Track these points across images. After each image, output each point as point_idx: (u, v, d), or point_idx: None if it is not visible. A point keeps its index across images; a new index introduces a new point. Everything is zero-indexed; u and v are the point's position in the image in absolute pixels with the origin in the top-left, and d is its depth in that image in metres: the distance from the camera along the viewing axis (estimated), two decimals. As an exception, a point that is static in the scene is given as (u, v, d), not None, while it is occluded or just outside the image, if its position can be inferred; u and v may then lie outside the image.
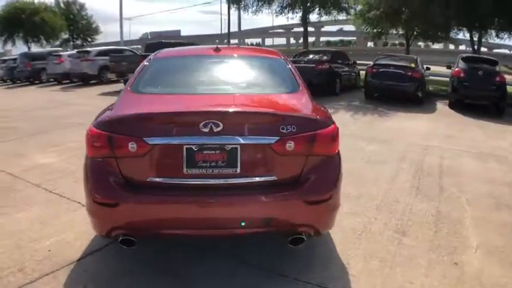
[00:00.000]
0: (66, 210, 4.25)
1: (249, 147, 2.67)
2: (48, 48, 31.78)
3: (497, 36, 18.79)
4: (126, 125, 2.73)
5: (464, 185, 5.29)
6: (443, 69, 15.71)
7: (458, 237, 3.81)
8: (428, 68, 14.91)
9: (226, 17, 31.54)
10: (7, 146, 7.15)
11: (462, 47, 32.92)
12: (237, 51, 4.44)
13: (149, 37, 57.80)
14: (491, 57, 13.77)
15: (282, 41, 75.25)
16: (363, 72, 15.21)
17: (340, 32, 64.90)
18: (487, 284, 3.08)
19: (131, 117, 2.80)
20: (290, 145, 2.66)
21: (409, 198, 4.78)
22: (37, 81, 22.10)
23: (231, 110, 2.74)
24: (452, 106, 12.53)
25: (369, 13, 19.56)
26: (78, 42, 41.67)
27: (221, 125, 2.59)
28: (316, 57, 15.55)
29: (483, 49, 23.78)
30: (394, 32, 21.55)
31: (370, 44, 47.80)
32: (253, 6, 25.76)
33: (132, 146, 2.62)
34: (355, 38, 58.85)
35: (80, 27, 42.03)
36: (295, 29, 52.14)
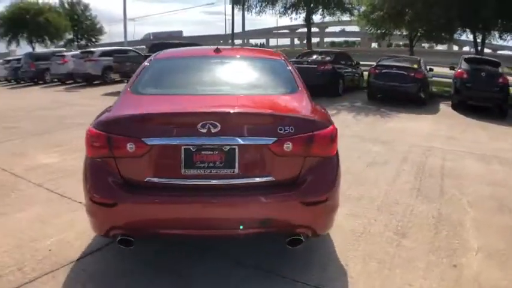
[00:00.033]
0: (67, 210, 4.26)
1: (246, 148, 2.67)
2: (52, 49, 31.89)
3: (500, 37, 18.74)
4: (125, 125, 2.75)
5: (465, 187, 5.27)
6: (446, 70, 15.67)
7: (458, 239, 3.80)
8: (431, 69, 14.86)
9: (230, 18, 31.56)
10: (10, 145, 7.19)
11: (466, 48, 32.83)
12: (237, 52, 4.45)
13: (151, 38, 57.93)
14: (493, 59, 13.71)
15: (286, 41, 75.31)
16: (366, 73, 15.17)
17: (345, 33, 64.83)
18: (486, 286, 3.08)
19: (129, 117, 2.82)
20: (288, 146, 2.67)
21: (410, 199, 4.77)
22: (41, 82, 22.16)
23: (228, 110, 2.75)
24: (455, 107, 12.49)
25: (372, 14, 19.52)
26: (83, 42, 41.75)
27: (219, 125, 2.60)
28: (319, 58, 15.54)
29: (487, 50, 23.73)
30: (398, 33, 21.51)
31: (374, 45, 47.68)
32: (256, 7, 25.80)
33: (130, 147, 2.64)
34: (359, 38, 58.77)
35: (84, 27, 42.07)
36: (300, 30, 52.13)
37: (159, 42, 17.32)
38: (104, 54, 19.75)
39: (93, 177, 2.83)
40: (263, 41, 75.89)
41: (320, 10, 24.78)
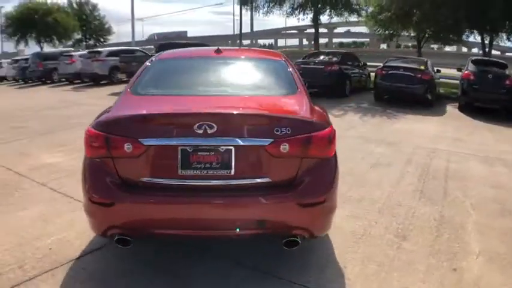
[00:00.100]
0: (69, 209, 4.29)
1: (243, 149, 2.67)
2: (60, 49, 32.15)
3: (508, 39, 18.59)
4: (122, 126, 2.77)
5: (469, 189, 5.23)
6: (454, 72, 15.57)
7: (459, 242, 3.76)
8: (438, 71, 14.77)
9: (239, 18, 31.62)
10: (16, 145, 7.26)
11: (475, 50, 32.59)
12: (238, 53, 4.45)
13: (156, 38, 58.29)
14: (501, 61, 13.61)
15: (294, 42, 75.30)
16: (374, 74, 15.12)
17: (353, 34, 64.63)
18: (486, 290, 3.05)
19: (127, 118, 2.84)
20: (285, 147, 2.66)
21: (413, 201, 4.74)
22: (49, 81, 22.36)
23: (225, 111, 2.76)
24: (462, 109, 12.40)
25: (380, 15, 19.43)
26: (91, 42, 42.05)
27: (215, 126, 2.61)
28: (326, 58, 15.51)
29: (496, 52, 23.53)
30: (406, 34, 21.40)
31: (383, 46, 47.51)
32: (264, 7, 25.82)
33: (127, 147, 2.65)
34: (368, 39, 58.59)
35: (93, 27, 42.35)
36: (308, 30, 52.08)
37: (166, 43, 17.37)
38: (111, 54, 19.89)
39: (92, 177, 2.85)
40: (271, 41, 75.92)
41: (327, 11, 24.74)
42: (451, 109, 12.84)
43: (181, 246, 3.52)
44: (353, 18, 25.66)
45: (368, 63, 17.66)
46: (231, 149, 2.66)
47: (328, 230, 3.08)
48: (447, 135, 8.91)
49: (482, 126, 10.25)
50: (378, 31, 21.69)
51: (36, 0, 37.73)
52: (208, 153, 2.66)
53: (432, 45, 29.07)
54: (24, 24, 36.13)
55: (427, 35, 20.01)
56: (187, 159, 2.66)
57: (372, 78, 15.15)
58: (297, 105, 3.09)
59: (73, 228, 3.82)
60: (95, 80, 19.72)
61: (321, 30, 30.23)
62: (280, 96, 3.29)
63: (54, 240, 3.60)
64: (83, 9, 41.73)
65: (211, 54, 3.88)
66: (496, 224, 4.22)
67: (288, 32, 72.76)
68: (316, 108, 3.22)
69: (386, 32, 21.18)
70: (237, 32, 37.99)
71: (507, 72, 12.41)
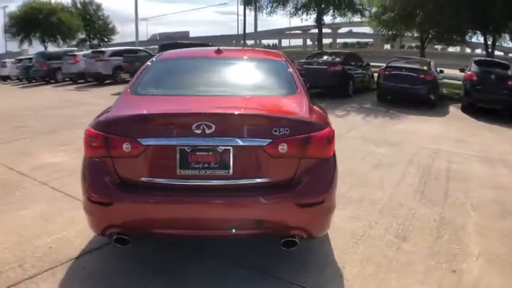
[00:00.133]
0: (69, 208, 4.30)
1: (241, 149, 2.68)
2: (64, 48, 32.29)
3: (511, 40, 18.54)
4: (121, 125, 2.78)
5: (470, 191, 5.21)
6: (457, 72, 15.52)
7: (459, 244, 3.75)
8: (441, 71, 14.74)
9: (243, 18, 31.63)
10: (18, 144, 7.30)
11: (478, 51, 32.45)
12: (238, 53, 4.46)
13: (158, 38, 58.45)
14: (503, 61, 13.56)
15: (298, 42, 75.25)
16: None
17: (357, 34, 64.47)
18: (485, 292, 3.04)
19: (126, 118, 2.85)
20: (283, 147, 2.66)
21: (413, 202, 4.73)
22: (52, 81, 22.45)
23: (223, 111, 2.77)
24: (464, 110, 12.36)
25: (383, 15, 19.40)
26: (95, 42, 42.18)
27: (213, 126, 2.61)
28: (329, 59, 15.48)
29: (499, 53, 23.43)
30: (409, 34, 21.35)
31: (387, 46, 47.37)
32: (267, 7, 25.82)
33: (126, 147, 2.66)
34: (371, 40, 58.45)
35: (97, 27, 42.47)
36: (312, 31, 52.05)
37: (169, 43, 17.40)
38: (115, 54, 19.96)
39: (91, 176, 2.87)
40: (275, 41, 75.92)
41: (331, 11, 24.70)
42: (454, 110, 12.80)
43: (180, 246, 3.52)
44: (356, 18, 25.62)
45: (372, 64, 17.63)
46: (229, 149, 2.66)
47: (326, 230, 3.08)
48: (450, 135, 8.88)
49: (485, 127, 10.21)
50: (382, 31, 21.65)
51: (40, 0, 37.89)
52: (206, 153, 2.66)
53: (436, 46, 28.97)
54: (28, 23, 36.31)
55: (430, 36, 19.96)
56: (186, 159, 2.67)
57: (375, 79, 15.13)
58: (296, 105, 3.08)
59: (73, 227, 3.83)
60: (99, 80, 19.78)
61: (325, 30, 30.19)
62: (279, 96, 3.29)
63: (54, 239, 3.62)
64: (87, 9, 41.85)
65: (211, 54, 3.89)
66: (496, 226, 4.21)
67: (291, 32, 72.74)
68: (316, 108, 3.22)
69: (390, 32, 21.14)
70: (240, 32, 38.01)
71: (510, 73, 12.35)
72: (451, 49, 28.69)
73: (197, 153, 2.66)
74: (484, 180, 5.70)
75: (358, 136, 8.40)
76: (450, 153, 7.17)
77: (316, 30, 27.59)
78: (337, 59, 15.03)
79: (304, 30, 64.98)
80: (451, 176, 5.80)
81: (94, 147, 2.81)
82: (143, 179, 2.73)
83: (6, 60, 28.27)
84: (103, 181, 2.77)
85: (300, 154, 2.72)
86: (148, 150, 2.67)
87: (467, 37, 19.51)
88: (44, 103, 13.36)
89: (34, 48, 38.17)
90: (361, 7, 23.82)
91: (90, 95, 15.92)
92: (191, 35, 65.92)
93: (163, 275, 3.12)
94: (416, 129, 9.38)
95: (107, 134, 2.73)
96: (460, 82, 14.04)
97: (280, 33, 73.55)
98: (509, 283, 3.19)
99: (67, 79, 21.77)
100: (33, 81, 23.53)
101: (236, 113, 2.76)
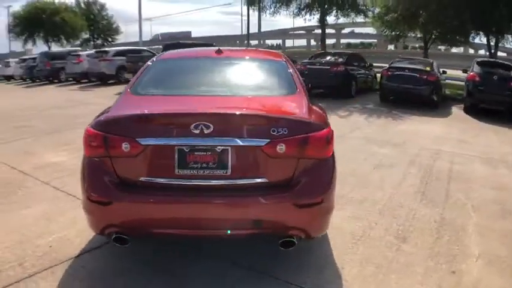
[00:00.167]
0: (71, 207, 4.31)
1: (239, 149, 2.68)
2: (67, 48, 32.41)
3: (513, 41, 18.49)
4: (120, 125, 2.79)
5: (471, 191, 5.20)
6: (460, 73, 15.47)
7: (459, 245, 3.74)
8: (444, 72, 14.69)
9: (246, 18, 31.67)
10: (21, 144, 7.33)
11: (482, 52, 32.31)
12: (238, 54, 4.46)
13: (160, 38, 58.65)
14: (506, 62, 13.50)
15: (302, 42, 75.10)
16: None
17: (360, 35, 64.32)
18: (485, 294, 3.04)
19: (125, 118, 2.86)
20: (281, 148, 2.66)
21: (414, 203, 4.72)
22: (56, 81, 22.53)
23: (221, 111, 2.77)
24: (467, 110, 12.32)
25: (386, 16, 19.37)
26: (99, 42, 42.31)
27: (211, 126, 2.62)
28: (332, 59, 15.46)
29: (502, 54, 23.33)
30: (412, 35, 21.30)
31: (390, 47, 47.28)
32: (271, 8, 25.85)
33: (125, 146, 2.68)
34: (375, 40, 58.31)
35: (101, 27, 42.63)
36: (316, 31, 52.00)
37: (172, 43, 17.42)
38: (118, 54, 20.01)
39: (90, 176, 2.88)
40: (279, 41, 75.85)
41: (334, 11, 24.69)
42: (457, 110, 12.76)
43: (178, 246, 3.53)
44: (360, 19, 25.61)
45: (375, 64, 17.60)
46: (227, 149, 2.67)
47: (325, 231, 3.08)
48: (452, 136, 8.86)
49: (487, 128, 10.17)
50: (385, 32, 21.62)
51: (44, 0, 38.03)
52: (204, 153, 2.67)
53: (439, 47, 28.90)
54: (31, 23, 36.47)
55: (433, 37, 19.91)
56: (184, 159, 2.68)
57: (378, 79, 15.10)
58: (295, 105, 3.08)
59: (74, 227, 3.84)
60: (102, 80, 19.85)
61: (329, 31, 30.16)
62: (278, 96, 3.29)
63: (55, 238, 3.64)
64: (90, 9, 42.02)
65: (212, 54, 3.90)
66: (496, 227, 4.20)
67: (295, 32, 72.63)
68: (315, 108, 3.22)
69: (393, 33, 21.10)
70: (244, 32, 38.07)
71: (512, 74, 12.29)
72: (454, 50, 28.57)
73: (195, 153, 2.67)
74: (485, 181, 5.68)
75: (361, 137, 8.39)
76: (452, 154, 7.15)
77: (320, 31, 27.56)
78: (340, 60, 15.02)
79: (308, 31, 64.85)
80: (453, 177, 5.78)
81: (93, 147, 2.82)
82: (142, 178, 2.74)
83: (10, 60, 28.40)
84: (102, 181, 2.79)
85: (298, 154, 2.72)
86: (147, 150, 2.68)
87: (470, 38, 19.45)
88: (47, 103, 13.41)
89: (38, 48, 38.35)
90: (364, 8, 23.81)
91: (94, 94, 15.96)
92: (196, 35, 66.04)
93: (162, 274, 3.13)
94: (419, 130, 9.36)
95: (106, 133, 2.75)
96: (463, 83, 13.99)
97: (283, 33, 73.45)
98: (509, 284, 3.19)
99: (70, 79, 21.84)
100: (37, 80, 23.63)
101: (234, 113, 2.77)
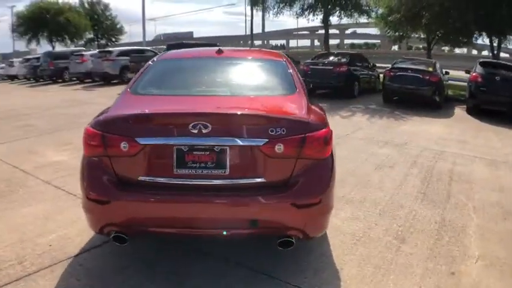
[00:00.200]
0: (71, 206, 4.34)
1: (237, 148, 2.69)
2: (71, 48, 32.52)
3: (516, 42, 18.42)
4: (119, 125, 2.80)
5: (472, 192, 5.18)
6: (462, 74, 15.41)
7: (459, 246, 3.72)
8: (447, 73, 14.65)
9: (250, 19, 31.71)
10: (23, 143, 7.36)
11: (485, 52, 32.25)
12: (239, 54, 4.46)
13: (162, 38, 58.91)
14: (509, 63, 13.43)
15: (306, 42, 75.22)
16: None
17: (364, 35, 64.32)
18: (484, 295, 3.02)
19: (123, 117, 2.87)
20: (279, 147, 2.66)
21: (415, 204, 4.71)
22: (60, 80, 22.62)
23: (219, 111, 2.78)
24: (469, 111, 12.27)
25: (389, 16, 19.33)
26: (103, 42, 42.42)
27: (210, 126, 2.62)
28: (335, 59, 15.44)
29: (504, 55, 23.25)
30: (415, 35, 21.25)
31: (394, 47, 47.23)
32: (274, 8, 25.83)
33: (124, 146, 2.69)
34: (379, 41, 58.29)
35: (104, 27, 42.75)
36: (320, 31, 52.00)
37: (175, 43, 17.46)
38: (122, 54, 20.09)
39: (89, 175, 2.89)
40: (283, 42, 75.94)
41: (337, 12, 24.66)
42: (459, 111, 12.72)
43: (178, 245, 3.54)
44: (363, 19, 25.56)
45: (379, 65, 17.59)
46: (225, 149, 2.67)
47: (323, 231, 3.08)
48: (454, 137, 8.83)
49: (490, 129, 10.12)
50: (388, 33, 21.59)
51: (47, 0, 38.16)
52: (203, 153, 2.68)
53: (443, 47, 28.84)
54: (35, 23, 36.61)
55: (436, 37, 19.85)
56: (183, 159, 2.68)
57: (381, 80, 15.08)
58: (294, 105, 3.08)
59: (75, 226, 3.86)
60: (106, 79, 19.92)
61: (333, 31, 30.16)
62: (277, 96, 3.30)
63: (55, 237, 3.66)
64: (94, 9, 42.15)
65: (212, 54, 3.90)
66: (497, 228, 4.18)
67: (299, 33, 72.69)
68: (314, 108, 3.21)
69: (396, 33, 21.07)
70: (248, 32, 38.10)
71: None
72: (457, 51, 28.51)
73: (194, 152, 2.68)
74: (487, 182, 5.66)
75: (363, 137, 8.38)
76: (454, 154, 7.12)
77: (323, 31, 27.53)
78: (343, 60, 14.99)
79: (311, 31, 64.99)
80: (454, 178, 5.76)
81: (92, 146, 2.83)
82: (141, 178, 2.75)
83: (14, 59, 28.57)
84: (101, 180, 2.80)
85: (296, 154, 2.72)
86: (146, 149, 2.69)
87: (473, 39, 19.39)
88: (50, 102, 13.47)
89: (42, 47, 38.52)
90: (367, 8, 23.77)
91: (97, 94, 16.02)
92: (200, 35, 66.41)
93: (161, 273, 3.13)
94: (421, 131, 9.34)
95: (104, 133, 2.76)
96: (465, 83, 13.94)
97: (287, 33, 73.54)
98: (509, 286, 3.17)
99: (74, 78, 21.96)
100: (41, 80, 23.74)
101: (233, 112, 2.77)
